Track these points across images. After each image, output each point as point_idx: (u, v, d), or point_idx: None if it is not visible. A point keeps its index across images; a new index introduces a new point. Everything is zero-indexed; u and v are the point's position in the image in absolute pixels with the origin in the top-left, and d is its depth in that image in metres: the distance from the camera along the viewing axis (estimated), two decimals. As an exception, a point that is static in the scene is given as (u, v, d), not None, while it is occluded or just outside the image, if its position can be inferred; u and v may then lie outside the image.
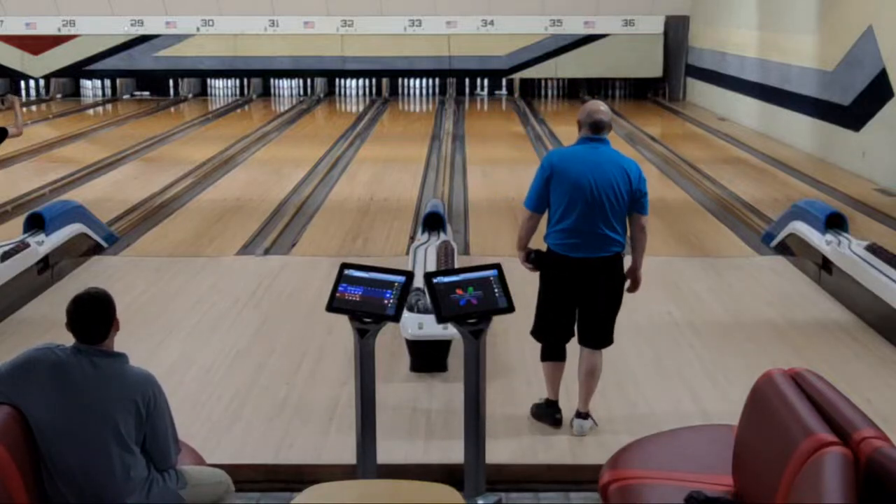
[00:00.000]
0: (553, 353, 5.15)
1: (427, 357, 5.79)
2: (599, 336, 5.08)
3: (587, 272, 4.91)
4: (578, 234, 4.88)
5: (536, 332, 5.18)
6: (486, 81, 22.58)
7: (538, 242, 5.12)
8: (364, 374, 4.28)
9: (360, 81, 22.37)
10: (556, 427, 5.10)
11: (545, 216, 5.05)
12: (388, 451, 4.63)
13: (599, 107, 4.97)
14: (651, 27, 21.30)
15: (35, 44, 21.50)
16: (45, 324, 6.53)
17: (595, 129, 4.92)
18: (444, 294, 4.23)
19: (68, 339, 3.56)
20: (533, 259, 5.06)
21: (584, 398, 5.10)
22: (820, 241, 7.72)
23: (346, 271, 4.31)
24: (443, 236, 7.81)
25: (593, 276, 4.92)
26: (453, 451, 4.62)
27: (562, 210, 4.89)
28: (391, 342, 5.93)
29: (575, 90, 22.13)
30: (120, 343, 3.63)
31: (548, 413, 5.16)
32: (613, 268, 4.99)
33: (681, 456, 3.90)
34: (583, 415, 5.10)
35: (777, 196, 11.13)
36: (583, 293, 4.97)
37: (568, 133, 14.73)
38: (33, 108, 21.12)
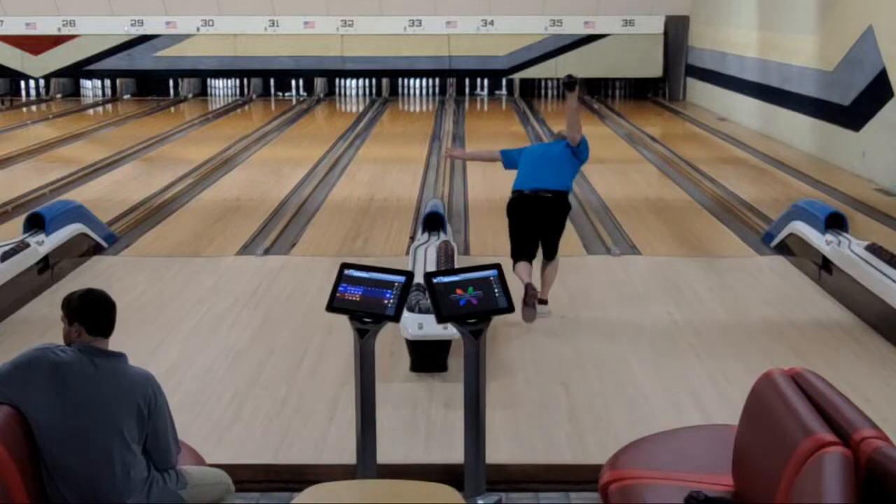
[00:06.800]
0: (521, 258, 6.74)
1: (427, 357, 5.79)
2: (550, 250, 6.87)
3: (538, 201, 6.64)
4: (532, 178, 6.70)
5: (512, 253, 6.80)
6: (486, 81, 22.58)
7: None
8: (364, 374, 4.27)
9: (360, 81, 22.37)
10: (528, 306, 6.48)
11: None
12: (388, 451, 4.63)
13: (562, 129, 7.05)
14: (651, 27, 21.31)
15: (35, 44, 21.50)
16: (45, 324, 6.53)
17: (557, 137, 7.16)
18: (444, 294, 4.23)
19: (68, 340, 3.56)
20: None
21: (545, 289, 6.86)
22: (820, 241, 7.72)
23: (346, 271, 4.30)
24: (443, 236, 7.82)
25: (542, 203, 6.64)
26: (453, 451, 4.62)
27: (522, 164, 6.84)
28: (391, 342, 5.93)
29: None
30: (120, 343, 3.63)
31: (526, 291, 6.54)
32: (558, 200, 6.69)
33: (681, 456, 3.89)
34: (543, 301, 6.78)
35: (777, 196, 11.13)
36: (535, 218, 6.69)
37: (568, 133, 14.67)
38: (33, 108, 21.14)
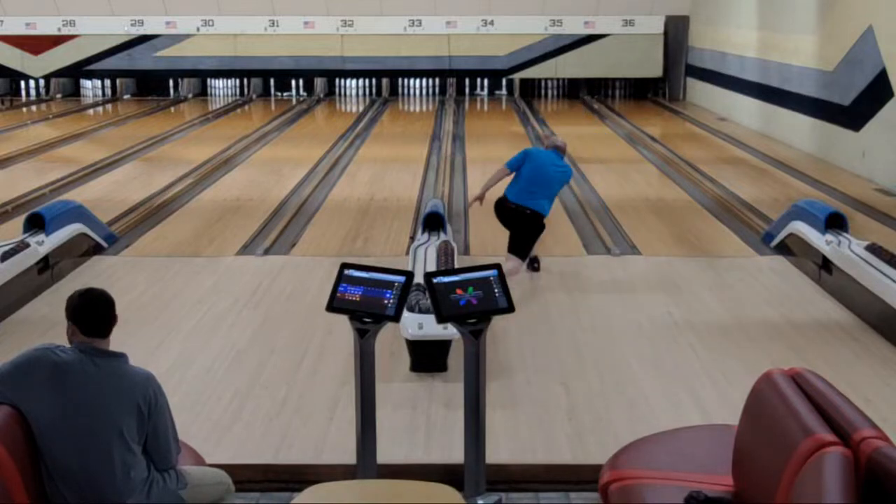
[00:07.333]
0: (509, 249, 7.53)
1: (427, 357, 5.79)
2: (519, 253, 7.45)
3: (516, 214, 7.43)
4: (521, 193, 7.43)
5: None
6: (486, 81, 22.58)
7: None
8: (364, 374, 4.27)
9: (360, 81, 22.37)
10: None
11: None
12: (388, 451, 4.63)
13: (558, 138, 8.01)
14: (651, 27, 21.31)
15: (35, 44, 21.50)
16: (45, 324, 6.53)
17: (558, 150, 7.74)
18: (444, 294, 4.22)
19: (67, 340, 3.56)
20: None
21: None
22: (820, 241, 7.72)
23: (346, 271, 4.30)
24: (443, 236, 7.82)
25: (519, 217, 7.43)
26: (453, 451, 4.62)
27: (521, 175, 7.48)
28: (391, 342, 5.93)
29: (575, 90, 22.13)
30: (120, 343, 3.63)
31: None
32: (532, 219, 7.44)
33: (681, 456, 3.89)
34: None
35: (777, 196, 11.13)
36: (513, 225, 7.49)
37: (567, 133, 14.73)
38: (33, 108, 21.14)
